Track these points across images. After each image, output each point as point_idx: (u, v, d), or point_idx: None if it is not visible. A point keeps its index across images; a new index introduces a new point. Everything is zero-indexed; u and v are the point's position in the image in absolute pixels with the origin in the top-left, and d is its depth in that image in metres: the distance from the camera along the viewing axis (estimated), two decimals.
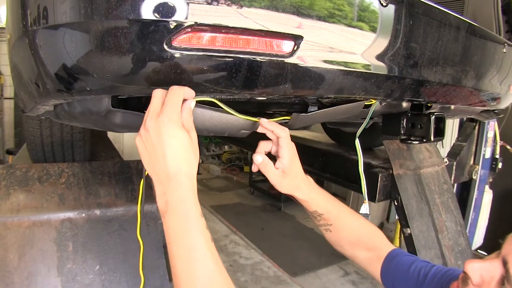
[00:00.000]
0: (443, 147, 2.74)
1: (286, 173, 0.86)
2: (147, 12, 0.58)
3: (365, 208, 1.25)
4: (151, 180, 0.66)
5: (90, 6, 0.59)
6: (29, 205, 1.05)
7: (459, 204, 2.14)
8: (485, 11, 1.68)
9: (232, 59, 0.66)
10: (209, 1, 0.60)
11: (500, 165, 2.85)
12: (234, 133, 0.85)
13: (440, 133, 1.27)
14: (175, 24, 0.59)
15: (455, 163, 2.31)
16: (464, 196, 2.83)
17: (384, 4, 0.85)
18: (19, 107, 0.99)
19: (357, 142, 1.13)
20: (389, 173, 1.77)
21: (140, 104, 0.79)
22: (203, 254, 0.60)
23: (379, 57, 0.89)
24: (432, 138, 1.24)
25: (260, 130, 0.86)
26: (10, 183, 1.08)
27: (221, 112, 0.78)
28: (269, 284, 3.15)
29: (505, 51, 1.35)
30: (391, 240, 4.08)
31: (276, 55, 0.70)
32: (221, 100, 0.77)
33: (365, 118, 1.13)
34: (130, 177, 1.21)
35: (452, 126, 3.21)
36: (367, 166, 1.81)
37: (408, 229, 1.72)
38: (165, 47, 0.60)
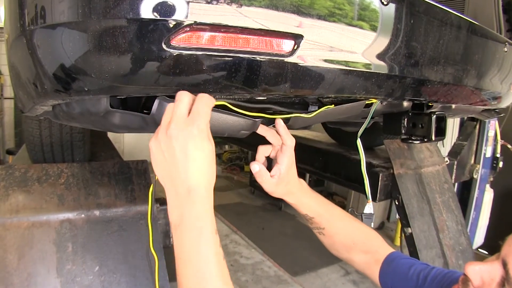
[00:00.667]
0: (443, 146, 2.73)
1: (281, 179, 0.86)
2: (145, 11, 0.58)
3: (369, 207, 1.24)
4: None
5: (88, 5, 0.58)
6: (28, 206, 1.05)
7: (460, 203, 2.13)
8: (486, 9, 1.67)
9: (231, 59, 0.65)
10: (209, 0, 0.60)
11: (500, 164, 2.84)
12: (234, 134, 0.84)
13: (441, 133, 1.27)
14: (174, 23, 0.59)
15: (455, 162, 2.31)
16: (465, 195, 2.83)
17: (385, 3, 0.84)
18: (18, 107, 0.98)
19: (358, 142, 1.13)
20: (389, 172, 1.77)
21: (139, 105, 0.78)
22: (213, 275, 0.57)
23: (380, 56, 0.88)
24: (433, 138, 1.24)
25: (260, 131, 0.85)
26: (9, 184, 1.08)
27: (221, 113, 0.78)
28: (269, 284, 3.15)
29: (506, 50, 1.34)
30: (392, 239, 4.09)
31: (276, 55, 0.69)
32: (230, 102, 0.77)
33: (366, 118, 1.13)
34: (130, 178, 1.21)
35: (452, 125, 3.20)
36: (368, 165, 1.80)
37: (409, 228, 1.72)
38: (164, 46, 0.60)
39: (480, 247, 3.08)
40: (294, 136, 0.87)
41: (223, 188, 5.93)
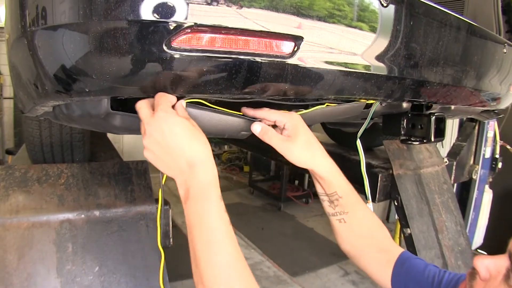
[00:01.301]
0: (443, 147, 2.74)
1: (293, 137, 0.78)
2: (146, 12, 0.58)
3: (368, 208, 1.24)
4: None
5: (89, 6, 0.58)
6: (28, 206, 1.05)
7: (459, 204, 2.14)
8: (485, 11, 1.67)
9: (232, 60, 0.66)
10: (209, 2, 0.60)
11: (500, 165, 2.85)
12: (234, 135, 0.85)
13: (440, 134, 1.27)
14: (174, 25, 0.59)
15: (455, 163, 2.31)
16: (464, 196, 2.83)
17: (385, 4, 0.84)
18: (19, 107, 0.98)
19: (358, 143, 1.13)
20: (389, 173, 1.77)
21: None
22: (223, 236, 0.62)
23: (380, 58, 0.88)
24: (432, 139, 1.24)
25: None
26: (9, 184, 1.08)
27: (221, 114, 0.78)
28: (269, 284, 3.15)
29: (505, 51, 1.35)
30: None
31: (276, 56, 0.70)
32: (215, 101, 0.77)
33: (366, 119, 1.13)
34: (130, 178, 1.21)
35: (452, 126, 3.21)
36: (367, 166, 1.80)
37: (408, 229, 1.72)
38: (165, 48, 0.60)
39: (479, 247, 3.08)
40: None
41: (222, 188, 5.72)
